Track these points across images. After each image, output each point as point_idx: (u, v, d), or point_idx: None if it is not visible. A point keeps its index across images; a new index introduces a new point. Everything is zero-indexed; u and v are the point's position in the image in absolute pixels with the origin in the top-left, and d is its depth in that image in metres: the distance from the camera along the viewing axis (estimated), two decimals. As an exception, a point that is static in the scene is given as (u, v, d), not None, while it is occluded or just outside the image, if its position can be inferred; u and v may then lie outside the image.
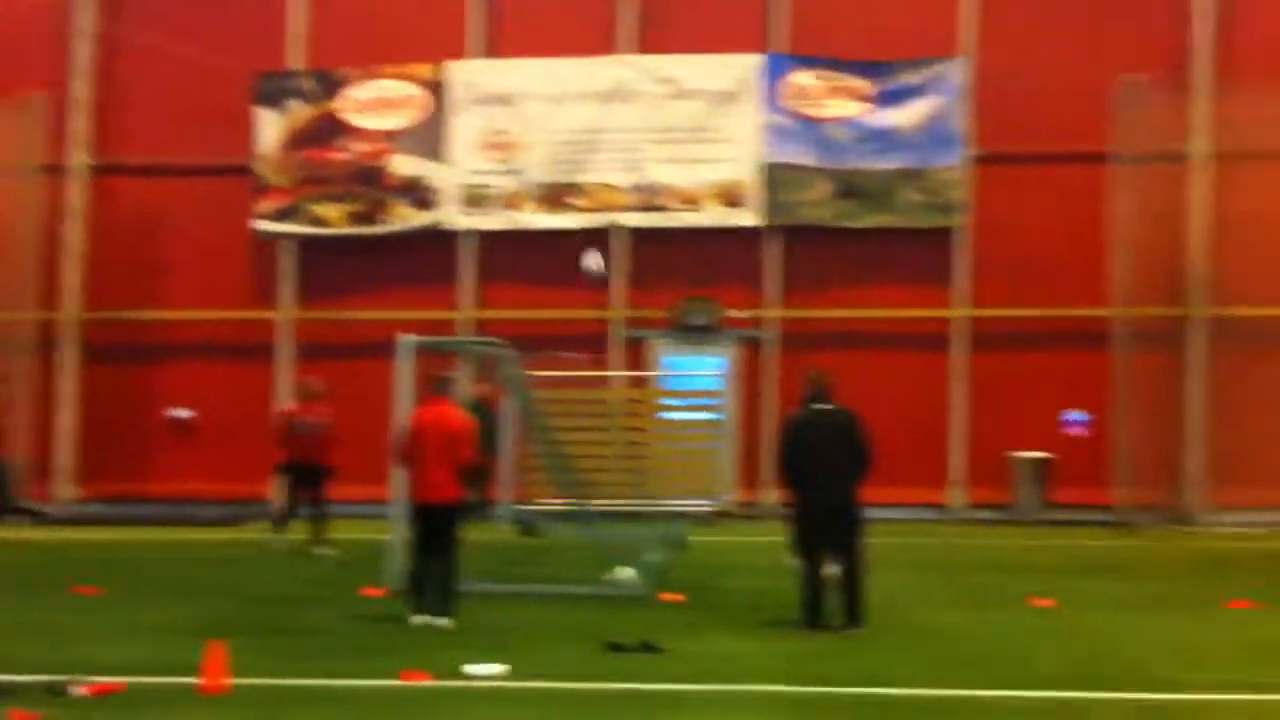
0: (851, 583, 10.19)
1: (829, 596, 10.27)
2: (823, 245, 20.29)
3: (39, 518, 19.12)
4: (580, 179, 20.48)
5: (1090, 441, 19.65)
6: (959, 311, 20.19)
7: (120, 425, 20.33)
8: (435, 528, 10.59)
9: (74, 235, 20.74)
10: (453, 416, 10.84)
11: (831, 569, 10.15)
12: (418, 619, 10.47)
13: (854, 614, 10.15)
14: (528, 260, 20.37)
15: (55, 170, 20.75)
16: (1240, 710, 8.09)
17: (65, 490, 20.46)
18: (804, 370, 11.23)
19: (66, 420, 20.48)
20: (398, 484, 11.13)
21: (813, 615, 10.17)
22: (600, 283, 14.73)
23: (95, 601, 11.96)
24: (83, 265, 20.81)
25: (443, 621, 10.42)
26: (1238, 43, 19.70)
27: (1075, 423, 19.84)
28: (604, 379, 18.35)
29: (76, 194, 20.83)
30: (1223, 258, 19.65)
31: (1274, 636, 10.25)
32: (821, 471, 10.17)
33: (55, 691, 8.19)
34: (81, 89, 20.90)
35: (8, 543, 16.73)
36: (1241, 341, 19.53)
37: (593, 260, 15.10)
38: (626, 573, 12.05)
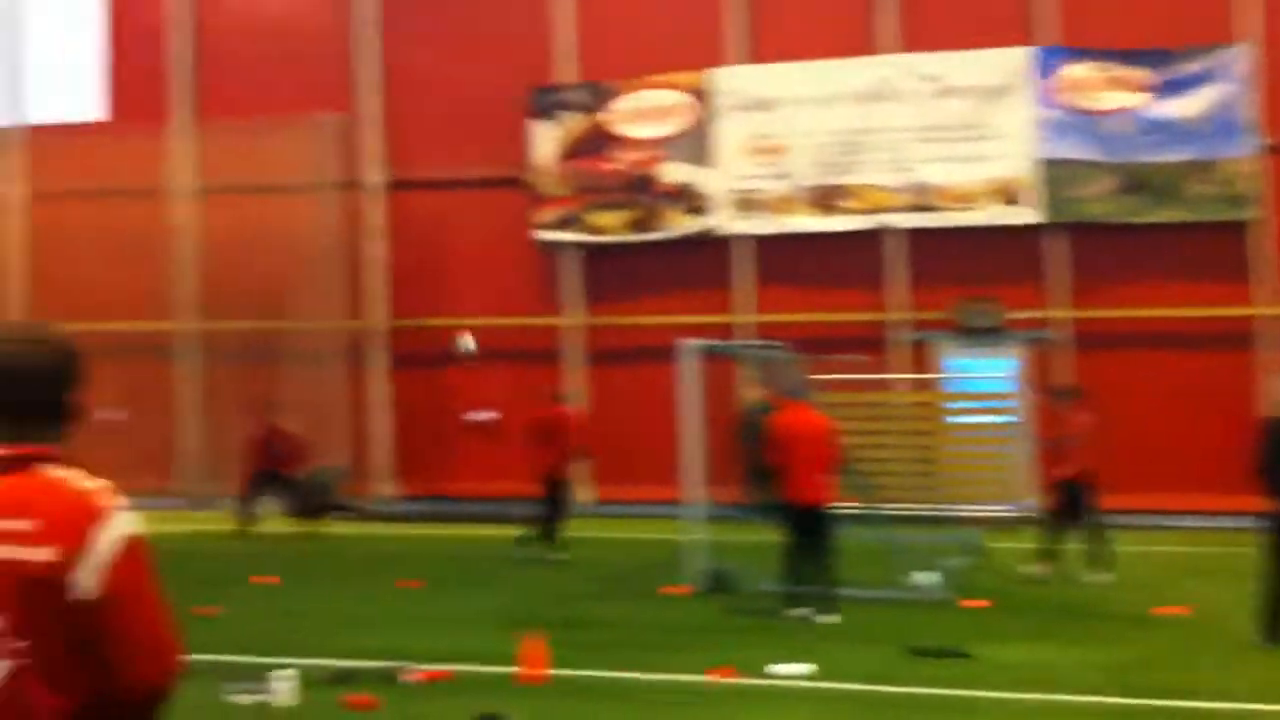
0: None
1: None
2: (1109, 242, 19.53)
3: (361, 515, 20.25)
4: (849, 180, 20.34)
5: None
6: (1261, 309, 19.12)
7: (428, 427, 21.21)
8: (810, 528, 10.78)
9: (374, 248, 21.83)
10: (817, 419, 11.00)
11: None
12: (798, 612, 10.68)
13: None
14: (802, 263, 20.34)
15: (350, 186, 21.88)
16: None
17: (383, 488, 21.57)
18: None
19: (380, 423, 21.59)
20: (770, 487, 11.28)
21: (1274, 630, 9.52)
22: (471, 360, 14.62)
23: (417, 594, 12.59)
24: (384, 276, 21.87)
25: (829, 618, 10.58)
26: None
27: None
28: (886, 381, 18.13)
29: (374, 209, 21.92)
30: None
31: None
32: None
33: (388, 678, 8.68)
34: (371, 108, 22.00)
35: (335, 538, 17.75)
36: None
37: (464, 342, 15.00)
38: (927, 577, 11.91)
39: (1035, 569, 13.02)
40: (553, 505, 14.94)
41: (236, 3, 22.50)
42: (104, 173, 21.65)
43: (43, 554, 2.68)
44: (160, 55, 22.31)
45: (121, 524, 2.74)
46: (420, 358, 21.50)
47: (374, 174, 21.92)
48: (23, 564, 2.68)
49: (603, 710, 8.15)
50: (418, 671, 8.80)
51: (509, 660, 8.95)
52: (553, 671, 8.75)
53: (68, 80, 22.65)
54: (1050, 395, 13.43)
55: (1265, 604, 9.61)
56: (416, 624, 10.88)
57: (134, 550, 2.72)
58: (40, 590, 2.66)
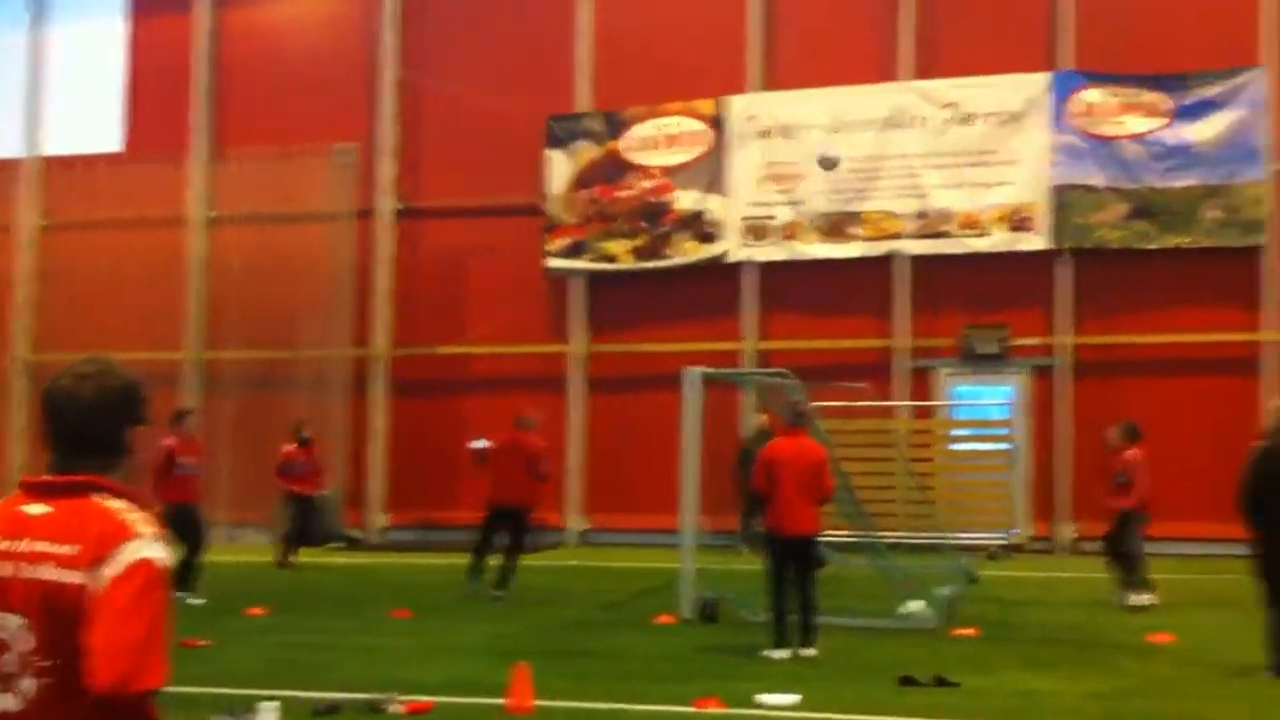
0: None
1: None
2: (1118, 268, 19.50)
3: (355, 544, 20.36)
4: (861, 208, 20.38)
5: None
6: (1269, 335, 19.04)
7: (426, 456, 21.34)
8: (796, 559, 10.64)
9: (383, 276, 22.03)
10: (813, 449, 10.88)
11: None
12: (779, 653, 10.47)
13: None
14: (809, 290, 20.40)
15: (365, 215, 22.09)
16: None
17: (377, 518, 21.69)
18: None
19: (377, 452, 21.73)
20: (764, 515, 11.22)
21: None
22: (483, 459, 14.39)
23: (407, 624, 12.66)
24: (391, 304, 22.06)
25: (809, 652, 10.46)
26: None
27: None
28: (889, 409, 18.16)
29: (385, 237, 22.13)
30: None
31: None
32: None
33: (375, 709, 8.74)
34: (387, 137, 22.22)
35: (328, 568, 17.87)
36: None
37: (479, 443, 14.74)
38: (918, 605, 11.92)
39: (1142, 598, 13.14)
40: (513, 536, 14.33)
41: (256, 33, 22.79)
42: (120, 203, 21.97)
43: (75, 576, 2.81)
44: (180, 86, 22.61)
45: (145, 548, 2.85)
46: (423, 387, 21.67)
47: (386, 202, 22.11)
48: (58, 586, 2.81)
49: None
50: (404, 703, 8.86)
51: (497, 691, 9.01)
52: (539, 702, 8.79)
53: (87, 112, 22.98)
54: (1113, 430, 13.68)
55: (1270, 635, 9.58)
56: (407, 654, 10.94)
57: (141, 569, 2.82)
58: (67, 610, 2.79)
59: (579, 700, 9.06)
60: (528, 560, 14.97)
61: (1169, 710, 8.62)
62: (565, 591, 14.59)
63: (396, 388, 21.89)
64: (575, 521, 20.80)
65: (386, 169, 22.18)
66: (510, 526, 14.30)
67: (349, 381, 21.63)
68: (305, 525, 17.72)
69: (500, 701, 8.80)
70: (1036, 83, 19.85)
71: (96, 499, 2.94)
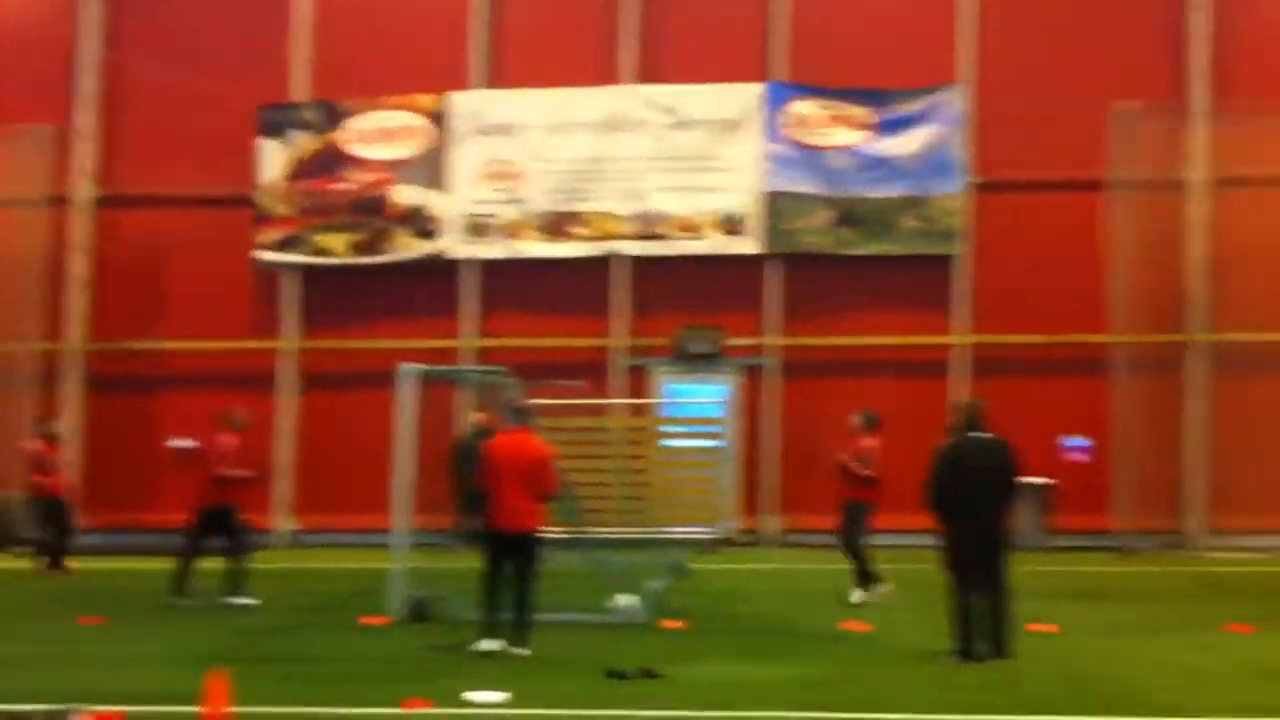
0: (999, 612, 10.02)
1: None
2: (823, 273, 20.37)
3: (43, 549, 19.11)
4: (582, 208, 20.57)
5: (1091, 467, 19.67)
6: (958, 338, 20.26)
7: (123, 456, 20.35)
8: (514, 556, 10.56)
9: (78, 266, 20.83)
10: (533, 445, 10.81)
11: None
12: (487, 644, 10.41)
13: (1000, 643, 9.97)
14: (529, 289, 20.46)
15: (60, 201, 20.85)
16: (1240, 735, 8.11)
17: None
18: (960, 401, 11.28)
19: (71, 451, 20.48)
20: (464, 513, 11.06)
21: (966, 645, 9.99)
22: (186, 458, 14.31)
23: (98, 632, 11.99)
24: (87, 296, 20.88)
25: (520, 650, 10.36)
26: (1234, 68, 19.80)
27: (1076, 449, 19.88)
28: (604, 407, 18.37)
29: (80, 225, 20.93)
30: (1221, 284, 19.72)
31: (1273, 660, 10.25)
32: (978, 499, 10.05)
33: (58, 720, 8.23)
34: (85, 120, 21.04)
35: (13, 574, 16.80)
36: (1240, 367, 19.57)
37: (179, 442, 14.65)
38: (627, 600, 12.08)
39: (875, 591, 13.52)
40: (230, 540, 13.78)
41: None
42: None
43: None
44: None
45: None
46: (121, 382, 20.63)
47: (84, 189, 20.93)
48: None
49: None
50: (88, 713, 8.37)
51: (191, 699, 8.62)
52: (238, 709, 8.46)
53: None
54: (855, 416, 14.10)
55: (953, 622, 10.14)
56: (97, 664, 10.32)
57: None
58: None
59: (280, 705, 8.77)
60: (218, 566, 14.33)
61: (864, 694, 9.00)
62: (271, 595, 14.09)
63: (91, 383, 20.71)
64: (285, 522, 20.20)
65: (83, 153, 20.96)
66: (222, 529, 13.70)
67: (38, 376, 20.32)
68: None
69: (195, 709, 8.42)
70: (752, 92, 20.49)
71: None
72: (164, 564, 16.63)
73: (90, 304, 20.88)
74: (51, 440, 16.98)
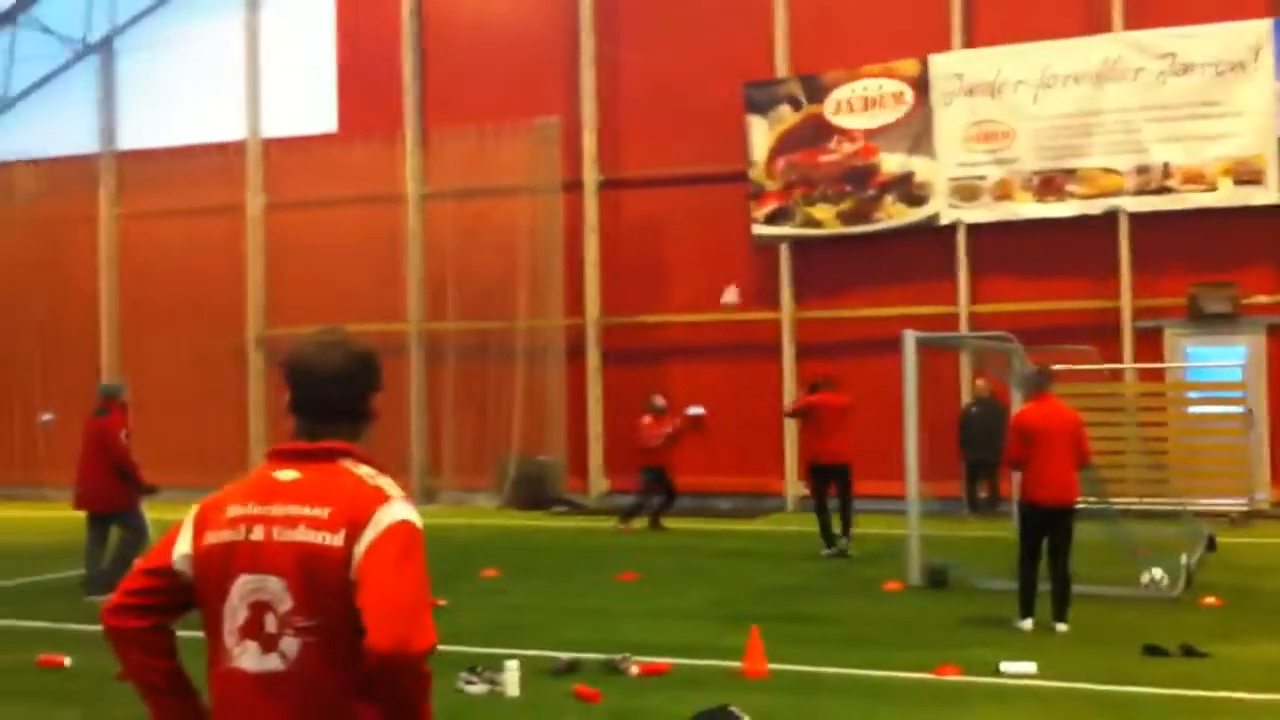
0: None
1: None
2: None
3: (579, 510, 20.71)
4: (1075, 164, 19.68)
5: None
6: None
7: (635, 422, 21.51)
8: (1055, 529, 10.16)
9: (591, 247, 22.25)
10: (1069, 412, 10.41)
11: None
12: (1026, 623, 10.17)
13: None
14: (1022, 251, 19.78)
15: (573, 186, 22.34)
16: None
17: (598, 484, 21.96)
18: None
19: (596, 418, 22.00)
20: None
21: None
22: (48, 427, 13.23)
23: (633, 587, 12.80)
24: (598, 273, 22.26)
25: (1060, 627, 10.11)
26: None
27: None
28: (1116, 372, 17.49)
29: (591, 208, 22.34)
30: None
31: None
32: None
33: (613, 669, 8.86)
34: (588, 110, 22.39)
35: (551, 531, 18.24)
36: None
37: (44, 417, 13.74)
38: (1159, 573, 11.49)
39: None
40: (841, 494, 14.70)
41: (457, 12, 23.22)
42: (338, 181, 22.75)
43: (330, 538, 2.90)
44: (386, 66, 23.15)
45: (397, 511, 2.94)
46: (631, 354, 21.70)
47: (591, 174, 22.31)
48: (314, 547, 2.90)
49: (826, 706, 8.15)
50: (638, 664, 8.95)
51: (729, 654, 9.04)
52: (773, 666, 8.79)
53: (303, 94, 23.77)
54: None
55: None
56: (636, 617, 11.05)
57: (400, 531, 2.90)
58: (326, 571, 2.88)
59: (813, 665, 9.04)
60: (737, 527, 14.97)
61: None
62: (785, 556, 14.52)
63: (607, 356, 22.07)
64: (790, 488, 20.60)
65: (589, 141, 22.34)
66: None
67: (564, 350, 21.88)
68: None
69: (734, 665, 8.83)
70: (1259, 29, 18.81)
71: (344, 464, 3.02)
72: (679, 524, 17.67)
73: (600, 281, 22.22)
74: (658, 414, 18.08)
